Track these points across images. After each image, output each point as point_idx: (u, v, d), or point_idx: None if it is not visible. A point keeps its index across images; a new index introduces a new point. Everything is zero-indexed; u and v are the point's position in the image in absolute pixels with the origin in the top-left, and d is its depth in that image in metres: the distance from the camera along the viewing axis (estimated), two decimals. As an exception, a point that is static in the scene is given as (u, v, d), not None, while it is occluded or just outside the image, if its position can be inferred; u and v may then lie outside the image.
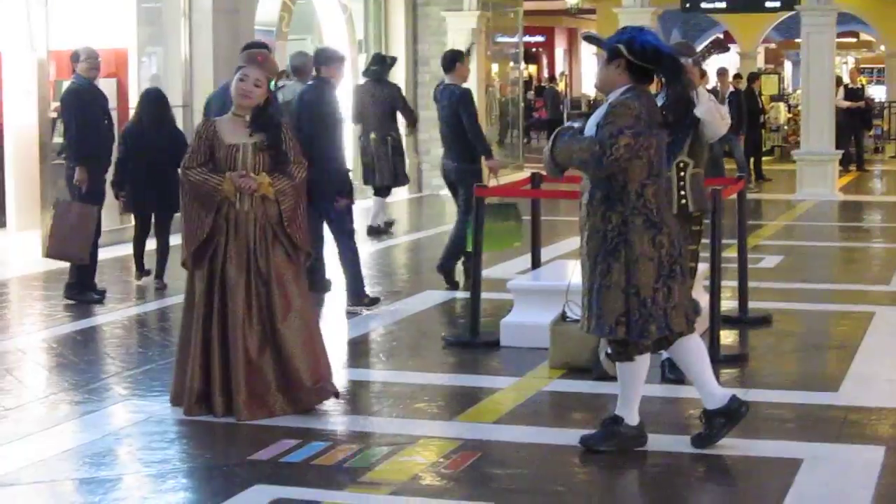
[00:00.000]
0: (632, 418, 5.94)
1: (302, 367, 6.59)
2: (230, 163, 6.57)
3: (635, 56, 5.76)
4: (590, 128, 5.89)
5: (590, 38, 6.26)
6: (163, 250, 10.66)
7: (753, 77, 23.31)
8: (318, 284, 9.97)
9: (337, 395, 6.77)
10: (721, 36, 33.21)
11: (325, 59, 9.66)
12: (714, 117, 7.01)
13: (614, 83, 5.83)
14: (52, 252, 10.06)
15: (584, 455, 5.88)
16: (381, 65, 14.49)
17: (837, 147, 19.07)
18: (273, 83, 7.84)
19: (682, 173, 6.87)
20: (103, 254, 11.88)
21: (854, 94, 23.74)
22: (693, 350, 5.95)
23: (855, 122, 23.50)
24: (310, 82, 9.87)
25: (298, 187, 6.71)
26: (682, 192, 6.88)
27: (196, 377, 6.55)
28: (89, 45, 10.42)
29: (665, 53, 5.83)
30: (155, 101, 10.73)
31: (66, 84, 10.68)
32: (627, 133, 5.64)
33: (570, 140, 5.79)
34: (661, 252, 5.74)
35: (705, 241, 7.41)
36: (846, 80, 24.82)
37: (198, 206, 6.60)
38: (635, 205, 5.73)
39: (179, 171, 6.70)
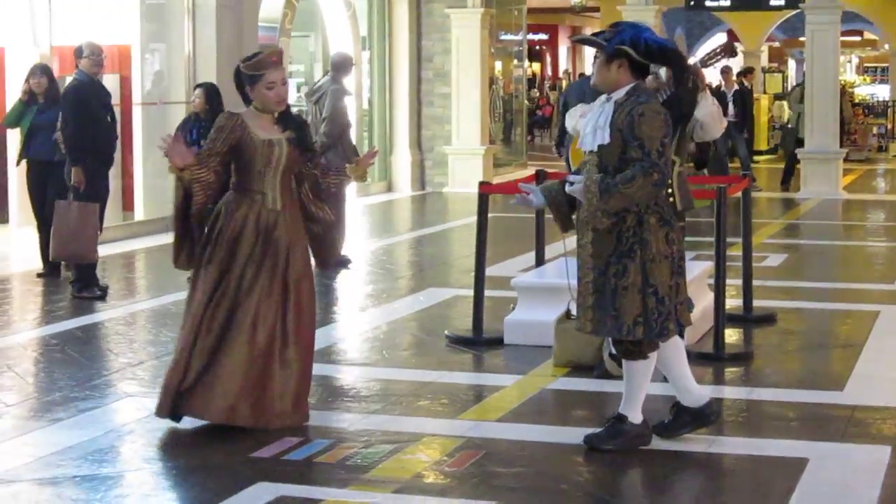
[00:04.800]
0: (636, 417, 5.92)
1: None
2: (265, 159, 6.28)
3: (641, 55, 5.72)
4: (590, 125, 5.79)
5: (582, 41, 6.19)
6: None
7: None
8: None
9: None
10: (731, 41, 33.06)
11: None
12: (714, 119, 6.97)
13: (616, 82, 5.76)
14: (56, 253, 10.02)
15: (589, 454, 5.86)
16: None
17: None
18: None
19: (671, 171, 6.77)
20: (107, 250, 11.89)
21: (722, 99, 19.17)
22: (675, 346, 5.95)
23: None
24: None
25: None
26: (670, 191, 6.80)
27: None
28: (93, 41, 10.37)
29: (671, 50, 5.80)
30: (216, 93, 10.94)
31: (68, 80, 10.64)
32: (667, 142, 5.66)
33: (619, 189, 5.59)
34: (673, 249, 5.74)
35: (709, 238, 7.37)
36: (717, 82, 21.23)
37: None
38: (649, 203, 5.70)
39: None
